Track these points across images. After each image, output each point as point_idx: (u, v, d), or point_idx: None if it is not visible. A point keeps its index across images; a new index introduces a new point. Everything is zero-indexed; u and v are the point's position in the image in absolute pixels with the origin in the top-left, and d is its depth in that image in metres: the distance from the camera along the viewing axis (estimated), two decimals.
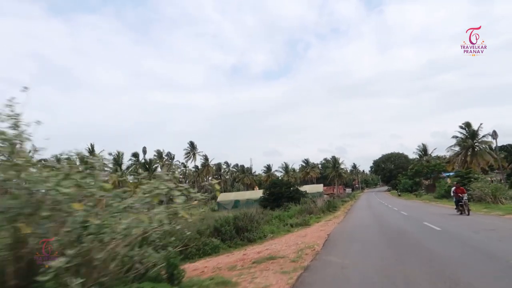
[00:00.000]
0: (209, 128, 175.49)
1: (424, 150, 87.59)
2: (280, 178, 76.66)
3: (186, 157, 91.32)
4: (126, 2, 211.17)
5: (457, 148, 65.00)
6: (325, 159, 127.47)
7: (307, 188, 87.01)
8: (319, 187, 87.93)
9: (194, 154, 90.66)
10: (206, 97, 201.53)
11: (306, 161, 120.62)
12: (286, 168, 74.18)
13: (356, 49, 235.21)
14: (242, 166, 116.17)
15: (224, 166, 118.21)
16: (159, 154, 77.67)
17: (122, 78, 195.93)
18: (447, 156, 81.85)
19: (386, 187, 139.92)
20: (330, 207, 30.44)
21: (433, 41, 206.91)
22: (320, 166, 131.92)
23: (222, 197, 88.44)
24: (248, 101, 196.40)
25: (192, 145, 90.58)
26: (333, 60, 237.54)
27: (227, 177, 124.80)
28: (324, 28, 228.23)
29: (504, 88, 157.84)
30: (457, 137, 59.56)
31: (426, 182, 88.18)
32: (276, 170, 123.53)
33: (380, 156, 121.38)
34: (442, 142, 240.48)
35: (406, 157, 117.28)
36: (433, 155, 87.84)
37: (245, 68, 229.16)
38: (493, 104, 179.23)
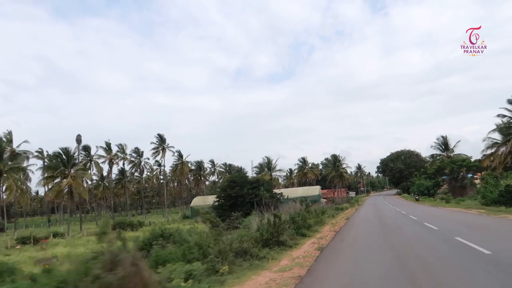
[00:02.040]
0: (212, 130, 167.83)
1: (445, 144, 67.39)
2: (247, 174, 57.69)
3: (154, 152, 73.01)
4: (130, 5, 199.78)
5: (499, 137, 45.55)
6: (326, 159, 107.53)
7: (300, 191, 67.87)
8: (314, 190, 68.29)
9: (163, 149, 72.24)
10: (210, 100, 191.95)
11: (303, 160, 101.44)
12: (268, 164, 55.20)
13: (361, 52, 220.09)
14: (229, 165, 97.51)
15: (209, 165, 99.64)
16: (108, 146, 59.53)
17: (126, 80, 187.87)
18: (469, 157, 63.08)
19: (395, 190, 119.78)
20: (282, 233, 10.90)
21: (438, 44, 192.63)
22: (321, 167, 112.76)
23: (197, 201, 69.50)
24: (252, 104, 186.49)
25: (160, 139, 72.21)
26: (338, 63, 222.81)
27: (213, 178, 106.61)
28: (328, 31, 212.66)
29: (510, 91, 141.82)
30: (504, 116, 40.30)
31: (444, 185, 68.37)
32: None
33: (389, 154, 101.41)
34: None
35: (418, 155, 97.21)
36: (455, 151, 67.49)
37: (249, 71, 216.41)
38: (499, 107, 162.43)
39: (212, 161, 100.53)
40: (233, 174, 41.57)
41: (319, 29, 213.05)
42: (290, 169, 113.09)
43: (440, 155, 68.45)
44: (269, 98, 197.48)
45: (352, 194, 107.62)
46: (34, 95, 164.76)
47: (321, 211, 27.32)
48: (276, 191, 64.04)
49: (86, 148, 63.34)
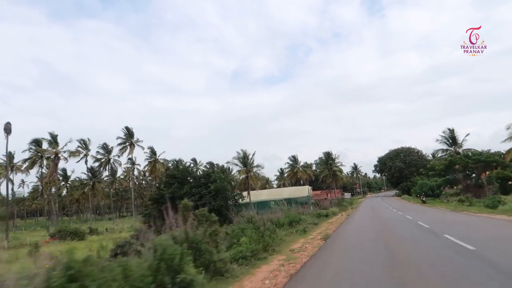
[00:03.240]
0: (212, 133, 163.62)
1: (452, 138, 56.97)
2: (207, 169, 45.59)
3: (121, 148, 62.49)
4: (127, 7, 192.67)
5: None
6: (320, 158, 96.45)
7: (286, 192, 57.47)
8: (303, 190, 57.68)
9: (131, 144, 61.74)
10: (208, 102, 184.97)
11: (294, 159, 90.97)
12: (244, 158, 44.18)
13: (358, 54, 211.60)
14: (212, 164, 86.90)
15: (192, 164, 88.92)
16: (54, 138, 48.88)
17: (125, 83, 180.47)
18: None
19: (393, 191, 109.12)
20: None
21: (436, 46, 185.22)
22: (314, 167, 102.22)
23: None
24: (250, 106, 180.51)
25: (128, 132, 61.69)
26: (335, 65, 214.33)
27: None
28: (325, 33, 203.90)
29: (508, 94, 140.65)
30: None
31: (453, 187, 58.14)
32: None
33: (387, 151, 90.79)
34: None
35: (419, 152, 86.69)
36: (464, 145, 56.90)
37: (247, 73, 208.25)
38: (496, 109, 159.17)
39: (194, 160, 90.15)
40: (173, 168, 30.74)
41: (316, 31, 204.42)
42: (282, 169, 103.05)
43: (447, 150, 58.10)
44: (267, 100, 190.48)
45: (347, 195, 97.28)
46: (32, 97, 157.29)
47: (290, 220, 16.86)
48: (254, 192, 53.20)
49: (37, 142, 52.84)
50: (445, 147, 57.83)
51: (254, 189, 46.29)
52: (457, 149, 56.36)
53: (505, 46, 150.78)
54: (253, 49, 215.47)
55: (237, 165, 45.28)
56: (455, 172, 46.44)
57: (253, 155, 43.83)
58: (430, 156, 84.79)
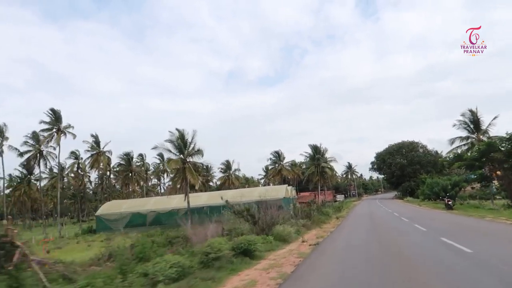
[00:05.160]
0: (206, 134, 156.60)
1: (474, 122, 41.61)
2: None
3: (47, 136, 47.14)
4: (122, 8, 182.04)
5: None
6: (308, 153, 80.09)
7: (256, 193, 42.36)
8: (278, 191, 41.90)
9: (59, 131, 46.41)
10: (203, 103, 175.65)
11: (277, 154, 75.84)
12: (178, 141, 28.32)
13: (353, 55, 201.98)
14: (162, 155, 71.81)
15: (157, 160, 73.62)
16: None
17: (119, 84, 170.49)
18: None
19: (392, 193, 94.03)
20: None
21: (430, 48, 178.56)
22: (304, 165, 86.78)
23: (107, 208, 43.46)
24: (245, 107, 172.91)
25: (54, 115, 46.36)
26: (330, 66, 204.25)
27: (163, 177, 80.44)
28: (320, 34, 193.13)
29: (503, 94, 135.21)
30: None
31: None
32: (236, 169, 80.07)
33: (387, 146, 75.63)
34: (439, 148, 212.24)
35: (425, 147, 71.48)
36: (490, 132, 41.59)
37: (242, 74, 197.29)
38: (491, 110, 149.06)
39: (161, 155, 74.72)
40: None
41: (311, 32, 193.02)
42: (266, 167, 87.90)
43: (467, 138, 42.83)
44: (263, 102, 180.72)
45: (340, 197, 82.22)
46: (26, 98, 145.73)
47: None
48: (216, 192, 38.28)
49: None
50: (464, 134, 42.52)
51: (204, 190, 30.83)
52: (481, 136, 41.28)
53: (500, 47, 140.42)
54: (247, 50, 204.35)
55: (170, 151, 29.78)
56: (489, 163, 31.30)
57: (193, 137, 28.43)
58: (450, 142, 70.56)
